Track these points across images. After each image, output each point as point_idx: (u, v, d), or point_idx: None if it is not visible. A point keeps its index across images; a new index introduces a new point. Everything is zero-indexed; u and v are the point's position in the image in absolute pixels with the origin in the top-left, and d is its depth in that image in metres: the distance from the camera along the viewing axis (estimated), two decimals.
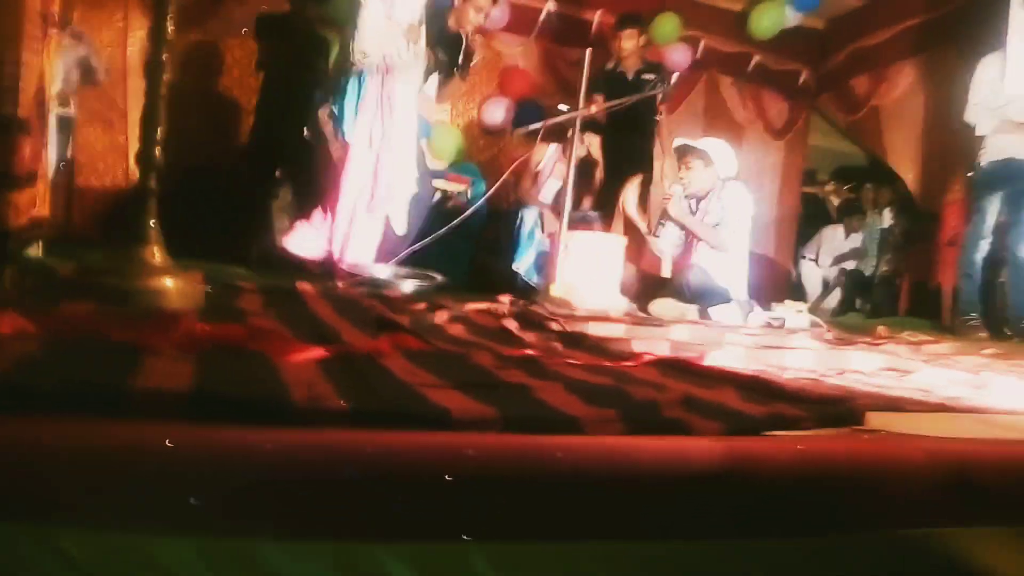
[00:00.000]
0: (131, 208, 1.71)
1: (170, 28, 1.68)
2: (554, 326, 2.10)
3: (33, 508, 0.74)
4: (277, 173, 4.93)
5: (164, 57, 1.69)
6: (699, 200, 4.10)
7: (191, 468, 0.77)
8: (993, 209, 4.07)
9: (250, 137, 4.94)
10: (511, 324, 2.07)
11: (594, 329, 2.15)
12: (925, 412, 1.42)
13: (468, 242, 4.99)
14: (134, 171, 5.55)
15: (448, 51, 4.16)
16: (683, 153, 4.09)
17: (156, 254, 1.70)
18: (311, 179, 4.86)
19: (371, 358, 1.31)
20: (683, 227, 4.06)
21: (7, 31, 1.79)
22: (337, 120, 3.76)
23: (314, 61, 4.80)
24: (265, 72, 4.78)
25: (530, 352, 1.59)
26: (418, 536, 0.81)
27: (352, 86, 3.67)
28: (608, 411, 1.07)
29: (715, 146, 4.12)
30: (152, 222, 1.71)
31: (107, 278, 1.63)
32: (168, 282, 1.68)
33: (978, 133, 3.95)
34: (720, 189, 4.06)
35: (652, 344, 1.98)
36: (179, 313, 1.48)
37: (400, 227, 3.75)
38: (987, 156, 4.03)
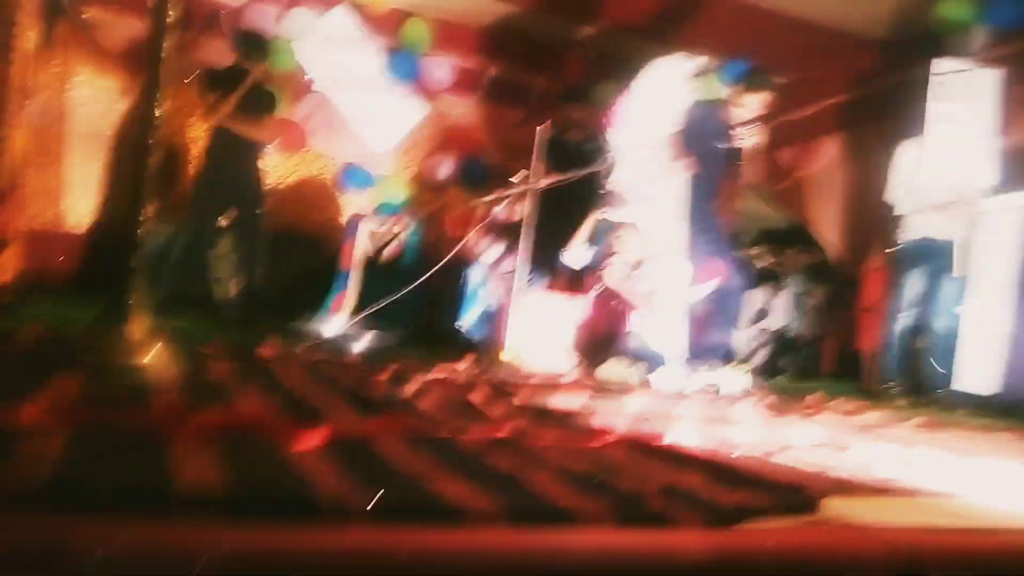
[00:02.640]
0: (114, 282, 1.73)
1: (158, 112, 1.73)
2: (517, 399, 2.20)
3: None
4: (222, 223, 4.93)
5: (151, 141, 1.73)
6: (634, 266, 4.30)
7: (243, 566, 0.83)
8: (913, 283, 4.39)
9: (196, 185, 4.93)
10: (476, 397, 2.15)
11: (555, 401, 2.24)
12: (872, 497, 1.55)
13: (412, 296, 5.06)
14: (65, 215, 5.47)
15: None
16: (614, 225, 4.30)
17: (139, 329, 1.72)
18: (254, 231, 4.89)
19: (368, 444, 1.38)
20: (619, 294, 4.23)
21: None
22: None
23: (261, 114, 4.85)
24: (213, 124, 4.80)
25: (503, 435, 1.67)
26: None
27: None
28: (598, 503, 1.16)
29: (645, 212, 4.33)
30: (133, 300, 1.74)
31: (91, 355, 1.65)
32: (151, 357, 1.71)
33: (897, 213, 4.27)
34: (654, 257, 4.26)
35: (612, 416, 2.09)
36: (185, 398, 1.51)
37: None
38: (906, 235, 4.35)
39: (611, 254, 4.28)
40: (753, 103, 4.09)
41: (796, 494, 1.39)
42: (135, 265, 1.73)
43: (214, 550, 0.82)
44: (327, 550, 0.88)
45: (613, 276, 4.17)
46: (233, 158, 4.80)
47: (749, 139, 4.13)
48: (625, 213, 4.32)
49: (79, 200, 5.47)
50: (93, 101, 5.46)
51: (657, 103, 4.16)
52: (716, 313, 4.13)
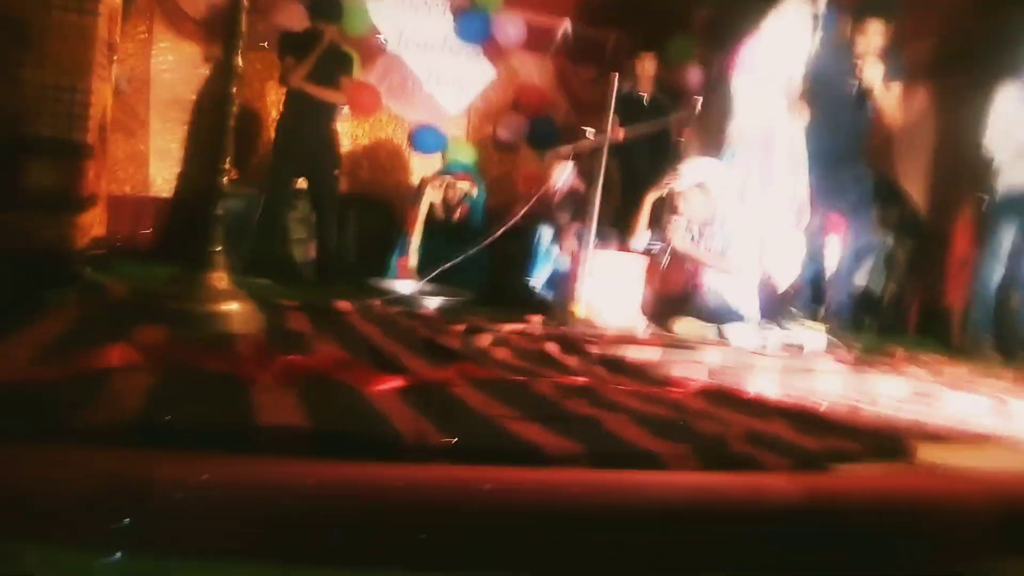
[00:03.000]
0: (199, 233, 1.77)
1: (240, 62, 1.74)
2: (593, 351, 2.17)
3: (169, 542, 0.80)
4: (297, 185, 5.00)
5: (233, 90, 1.75)
6: (702, 226, 4.17)
7: (328, 502, 0.83)
8: (1007, 236, 4.15)
9: (273, 149, 5.00)
10: (552, 348, 2.14)
11: (630, 354, 2.21)
12: (966, 445, 1.48)
13: (482, 255, 5.05)
14: (153, 180, 5.62)
15: None
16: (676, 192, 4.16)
17: (222, 279, 1.76)
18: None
19: (444, 388, 1.37)
20: (689, 257, 4.12)
21: (80, 61, 1.85)
22: None
23: (337, 76, 4.88)
24: (290, 87, 4.85)
25: (582, 380, 1.65)
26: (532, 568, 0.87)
27: None
28: (681, 447, 1.13)
29: (711, 169, 4.16)
30: (218, 248, 1.78)
31: (177, 303, 1.69)
32: (233, 306, 1.74)
33: (996, 161, 4.03)
34: (722, 213, 4.12)
35: (690, 369, 2.04)
36: (266, 344, 1.54)
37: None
38: (1003, 184, 4.11)
39: (675, 215, 4.14)
40: (877, 32, 3.85)
41: (888, 441, 1.33)
42: (217, 214, 1.76)
43: (298, 486, 0.83)
44: (408, 487, 0.88)
45: (677, 238, 4.05)
46: (309, 121, 4.84)
47: (875, 75, 3.87)
48: (690, 178, 4.16)
49: (164, 166, 5.63)
50: (177, 67, 5.57)
51: (782, 45, 3.96)
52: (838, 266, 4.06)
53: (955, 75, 5.66)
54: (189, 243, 1.87)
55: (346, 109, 5.82)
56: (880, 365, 2.92)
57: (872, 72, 3.79)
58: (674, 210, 4.18)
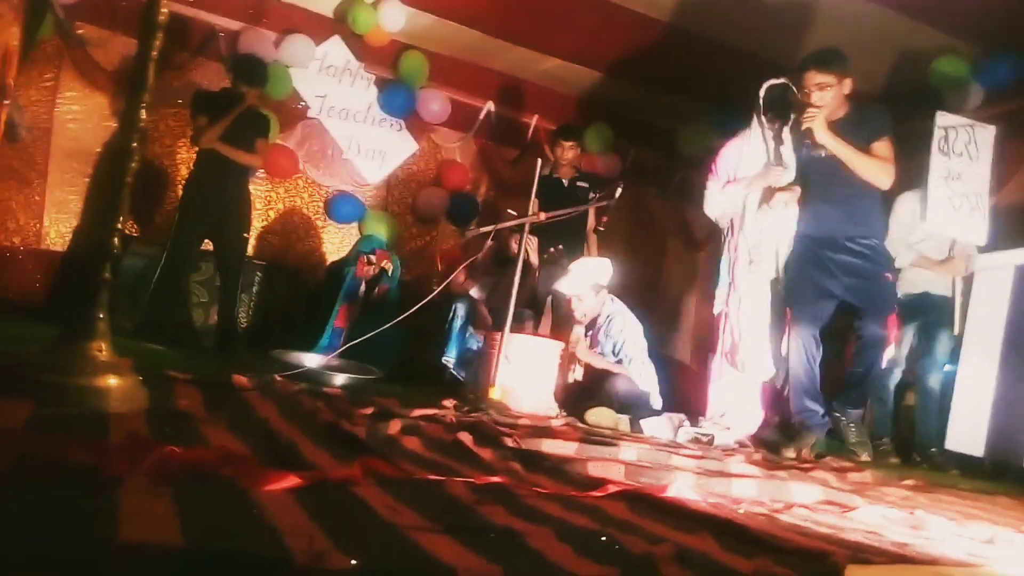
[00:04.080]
0: (81, 298, 1.60)
1: (143, 117, 1.62)
2: (509, 443, 2.06)
3: None
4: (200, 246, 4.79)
5: (134, 145, 1.61)
6: (595, 330, 4.20)
7: None
8: (907, 338, 4.31)
9: (180, 207, 4.78)
10: (465, 438, 2.02)
11: (546, 447, 2.11)
12: (890, 565, 1.43)
13: (395, 330, 4.92)
14: (47, 233, 5.28)
15: None
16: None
17: (103, 349, 1.59)
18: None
19: (347, 488, 1.24)
20: (592, 367, 4.13)
21: None
22: None
23: (252, 139, 4.75)
24: (202, 147, 4.68)
25: (499, 480, 1.54)
26: None
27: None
28: (608, 569, 1.03)
29: (602, 269, 4.22)
30: (102, 315, 1.60)
31: (47, 374, 1.50)
32: (112, 381, 1.57)
33: (896, 266, 4.21)
34: (609, 312, 4.17)
35: (607, 468, 1.96)
36: (145, 430, 1.37)
37: None
38: (904, 288, 4.29)
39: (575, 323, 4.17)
40: (826, 83, 3.56)
41: (818, 561, 1.26)
42: (105, 277, 1.60)
43: None
44: None
45: (582, 350, 4.07)
46: (220, 182, 4.68)
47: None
48: (583, 279, 4.18)
49: (61, 219, 5.31)
50: (83, 118, 5.32)
51: (750, 142, 3.85)
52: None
53: None
54: (73, 306, 1.69)
55: (262, 172, 5.68)
56: (789, 467, 2.91)
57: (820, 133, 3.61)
58: (571, 315, 4.19)
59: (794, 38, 4.69)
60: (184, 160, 5.47)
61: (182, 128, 5.48)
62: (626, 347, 4.11)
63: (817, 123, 3.55)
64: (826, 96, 3.58)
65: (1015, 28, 4.44)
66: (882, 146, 3.66)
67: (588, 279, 4.14)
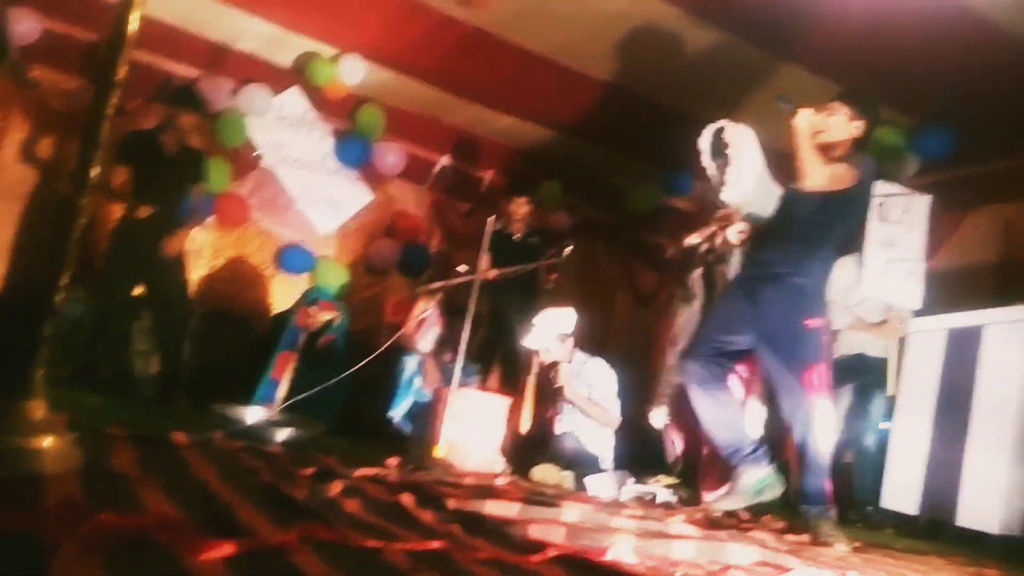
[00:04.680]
0: (17, 355, 1.58)
1: (95, 173, 1.62)
2: (451, 504, 2.07)
3: None
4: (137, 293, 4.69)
5: (84, 202, 1.62)
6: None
7: None
8: (844, 398, 4.43)
9: (112, 253, 4.64)
10: (407, 499, 2.02)
11: (489, 508, 2.12)
12: None
13: (342, 383, 4.88)
14: None
15: None
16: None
17: (39, 409, 1.56)
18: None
19: (283, 555, 1.24)
20: (576, 407, 4.16)
21: None
22: None
23: (184, 177, 4.67)
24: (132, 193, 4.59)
25: (436, 545, 1.55)
26: None
27: None
28: None
29: (566, 318, 4.29)
30: (40, 374, 1.59)
31: None
32: (47, 442, 1.54)
33: (832, 328, 4.34)
34: (582, 366, 4.23)
35: (549, 530, 1.98)
36: (79, 494, 1.35)
37: None
38: (840, 349, 4.42)
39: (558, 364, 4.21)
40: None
41: None
42: (46, 334, 1.58)
43: None
44: None
45: (570, 389, 4.10)
46: (151, 229, 4.57)
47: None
48: (549, 331, 4.24)
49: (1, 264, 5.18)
50: (26, 160, 5.25)
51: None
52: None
53: None
54: (8, 353, 1.67)
55: (210, 219, 5.65)
56: (727, 527, 2.95)
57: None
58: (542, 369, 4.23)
59: (732, 101, 4.87)
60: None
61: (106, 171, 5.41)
62: (599, 390, 4.17)
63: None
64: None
65: (948, 102, 4.68)
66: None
67: (553, 330, 4.18)
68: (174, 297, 4.68)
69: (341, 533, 1.47)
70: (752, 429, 3.46)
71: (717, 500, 3.45)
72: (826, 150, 3.17)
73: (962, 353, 4.21)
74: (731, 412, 3.38)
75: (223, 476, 1.93)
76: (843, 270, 4.48)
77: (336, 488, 1.97)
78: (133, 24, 1.75)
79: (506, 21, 4.65)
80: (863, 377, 4.43)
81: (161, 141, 4.63)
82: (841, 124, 3.18)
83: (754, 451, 3.31)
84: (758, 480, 3.29)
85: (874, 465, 4.42)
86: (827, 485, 3.24)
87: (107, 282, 4.54)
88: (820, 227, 3.21)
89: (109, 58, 1.75)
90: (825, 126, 3.16)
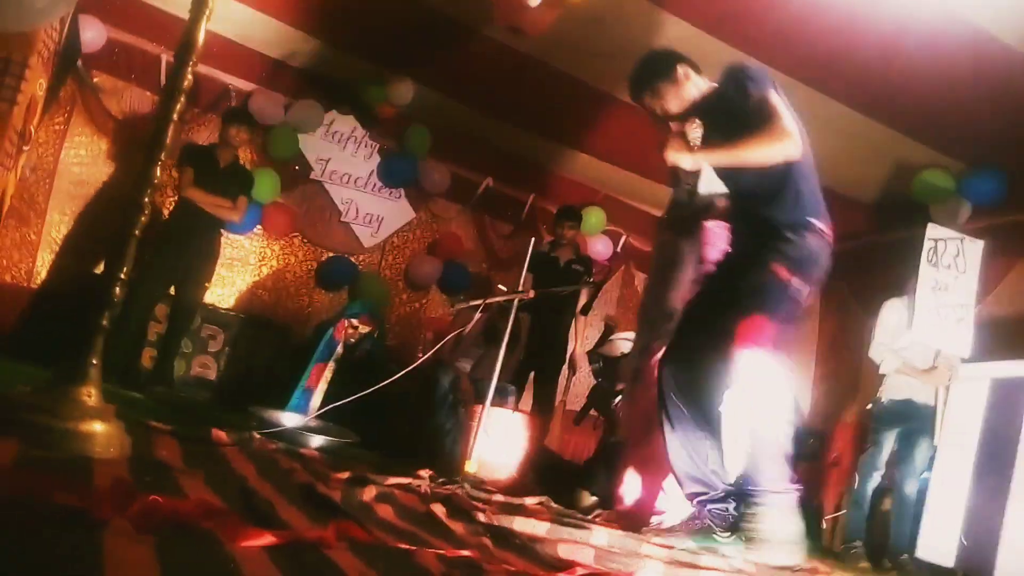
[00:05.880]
0: (77, 342, 1.64)
1: (158, 173, 1.69)
2: (481, 517, 2.08)
3: None
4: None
5: (145, 200, 1.68)
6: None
7: None
8: (889, 443, 4.34)
9: (151, 254, 4.76)
10: (438, 510, 2.03)
11: (518, 525, 2.12)
12: None
13: (376, 396, 4.91)
14: (39, 272, 5.28)
15: None
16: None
17: (92, 395, 1.61)
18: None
19: (320, 549, 1.26)
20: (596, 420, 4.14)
21: None
22: None
23: (230, 192, 4.79)
24: (180, 195, 4.77)
25: (468, 553, 1.56)
26: None
27: None
28: None
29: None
30: (95, 361, 1.64)
31: (35, 415, 1.53)
32: (98, 426, 1.59)
33: (881, 371, 4.27)
34: None
35: (577, 551, 1.97)
36: (129, 478, 1.39)
37: None
38: (887, 393, 4.35)
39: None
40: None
41: None
42: (103, 324, 1.64)
43: None
44: None
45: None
46: (193, 231, 4.72)
47: None
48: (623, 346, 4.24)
49: (54, 257, 5.35)
50: (88, 163, 5.43)
51: None
52: None
53: (835, 282, 6.11)
54: (65, 342, 1.73)
55: (259, 228, 5.77)
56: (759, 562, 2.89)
57: None
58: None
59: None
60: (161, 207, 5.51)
61: (167, 180, 5.56)
62: None
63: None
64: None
65: (998, 146, 4.62)
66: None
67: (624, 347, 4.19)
68: (192, 297, 4.80)
69: (375, 535, 1.49)
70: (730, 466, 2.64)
71: (665, 531, 2.69)
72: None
73: (1006, 404, 4.10)
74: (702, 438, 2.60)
75: (261, 474, 1.96)
76: (892, 312, 4.42)
77: (370, 493, 1.99)
78: (200, 35, 1.82)
79: (554, 48, 4.70)
80: (909, 423, 4.33)
81: (216, 156, 4.80)
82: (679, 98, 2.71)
83: (723, 499, 2.57)
84: (708, 537, 2.55)
85: (914, 513, 4.31)
86: (776, 469, 2.45)
87: (138, 279, 4.65)
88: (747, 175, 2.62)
89: (176, 67, 1.82)
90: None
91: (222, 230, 4.99)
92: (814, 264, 2.56)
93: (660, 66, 2.73)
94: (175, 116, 1.74)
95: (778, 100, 2.52)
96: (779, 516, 2.44)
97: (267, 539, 1.20)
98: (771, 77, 2.60)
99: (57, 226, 5.33)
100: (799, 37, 3.92)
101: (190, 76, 1.75)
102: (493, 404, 3.73)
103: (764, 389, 2.43)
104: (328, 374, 4.83)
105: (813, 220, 2.55)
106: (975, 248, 4.50)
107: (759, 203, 2.59)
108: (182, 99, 1.78)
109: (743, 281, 2.51)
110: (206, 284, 4.91)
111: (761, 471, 2.46)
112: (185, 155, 4.80)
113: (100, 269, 5.23)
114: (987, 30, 3.55)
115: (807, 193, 2.58)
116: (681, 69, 2.69)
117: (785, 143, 2.46)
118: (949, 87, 4.04)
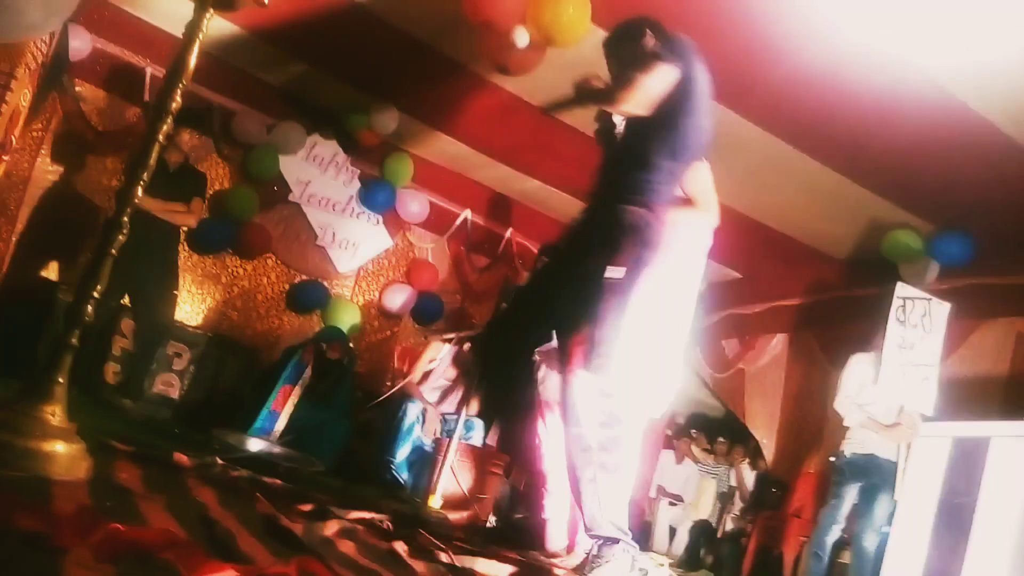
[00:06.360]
0: (43, 361, 1.61)
1: (140, 193, 1.67)
2: (443, 558, 2.05)
3: None
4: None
5: (124, 219, 1.67)
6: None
7: None
8: (850, 497, 4.38)
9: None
10: (400, 547, 2.01)
11: (479, 566, 2.10)
12: None
13: (343, 423, 4.86)
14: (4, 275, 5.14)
15: None
16: None
17: (56, 414, 1.58)
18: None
19: None
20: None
21: None
22: None
23: (181, 194, 4.69)
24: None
25: None
26: None
27: None
28: None
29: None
30: (61, 380, 1.61)
31: None
32: (60, 447, 1.56)
33: (845, 424, 4.31)
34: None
35: None
36: (90, 503, 1.36)
37: None
38: (850, 447, 4.39)
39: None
40: None
41: None
42: (71, 343, 1.61)
43: None
44: None
45: None
46: (145, 242, 4.54)
47: None
48: None
49: (19, 264, 5.24)
50: (63, 172, 5.36)
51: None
52: None
53: (804, 334, 6.19)
54: (16, 355, 1.70)
55: (231, 248, 5.72)
56: None
57: None
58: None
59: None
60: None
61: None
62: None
63: None
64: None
65: (967, 211, 4.73)
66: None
67: None
68: (158, 312, 4.64)
69: (337, 572, 1.47)
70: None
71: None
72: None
73: (967, 463, 4.16)
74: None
75: (222, 502, 1.93)
76: (859, 366, 4.47)
77: (332, 528, 1.96)
78: (192, 59, 1.82)
79: (539, 89, 4.76)
80: (871, 478, 4.36)
81: (164, 159, 4.63)
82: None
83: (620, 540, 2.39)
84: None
85: (873, 569, 4.33)
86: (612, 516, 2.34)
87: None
88: None
89: (165, 87, 1.81)
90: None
91: (186, 244, 4.86)
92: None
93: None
94: (160, 137, 1.72)
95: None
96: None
97: (228, 573, 1.17)
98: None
99: (28, 233, 5.24)
100: (782, 96, 4.01)
101: (179, 100, 1.74)
102: (460, 439, 3.72)
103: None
104: (294, 398, 4.77)
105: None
106: (942, 310, 4.59)
107: None
108: (169, 120, 1.78)
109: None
110: (175, 293, 4.78)
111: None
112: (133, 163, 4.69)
113: (54, 276, 5.14)
114: (962, 99, 3.66)
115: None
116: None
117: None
118: (923, 151, 4.15)
